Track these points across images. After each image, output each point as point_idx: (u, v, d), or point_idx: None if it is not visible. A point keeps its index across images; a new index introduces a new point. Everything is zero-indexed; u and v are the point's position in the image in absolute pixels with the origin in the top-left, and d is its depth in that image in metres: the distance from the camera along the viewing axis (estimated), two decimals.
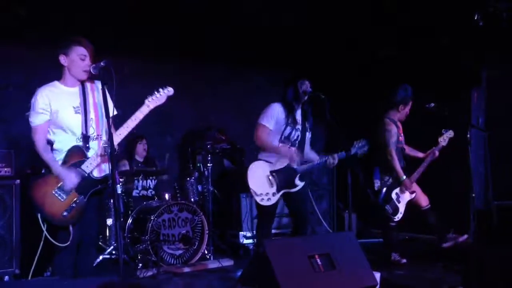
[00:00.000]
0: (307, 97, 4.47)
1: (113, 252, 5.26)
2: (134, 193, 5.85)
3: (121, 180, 5.50)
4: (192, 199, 5.66)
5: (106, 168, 3.53)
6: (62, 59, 3.55)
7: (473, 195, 4.86)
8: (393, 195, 5.14)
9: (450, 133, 5.19)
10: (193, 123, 6.93)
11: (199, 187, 5.87)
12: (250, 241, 5.99)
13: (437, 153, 5.16)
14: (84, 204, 3.48)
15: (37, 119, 3.50)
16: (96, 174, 3.53)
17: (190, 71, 6.97)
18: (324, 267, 3.56)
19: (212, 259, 5.45)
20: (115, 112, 3.60)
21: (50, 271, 4.77)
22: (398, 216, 5.16)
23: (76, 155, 3.49)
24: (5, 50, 5.64)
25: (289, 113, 4.44)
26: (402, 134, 5.25)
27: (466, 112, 6.19)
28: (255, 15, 6.21)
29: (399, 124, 5.26)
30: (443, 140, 5.17)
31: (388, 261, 5.14)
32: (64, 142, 3.53)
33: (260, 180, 4.38)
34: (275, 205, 4.44)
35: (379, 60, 7.06)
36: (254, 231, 5.30)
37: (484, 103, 6.26)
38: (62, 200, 3.42)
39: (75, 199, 3.44)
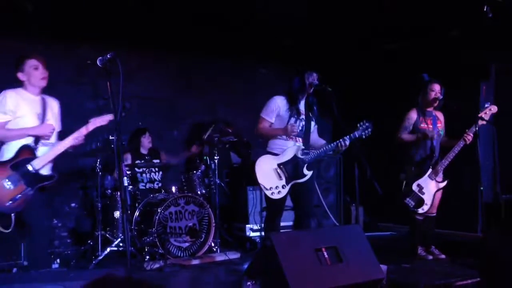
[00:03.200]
0: (313, 89, 4.45)
1: (120, 244, 5.28)
2: (141, 186, 5.86)
3: (128, 172, 5.52)
4: (199, 192, 5.67)
5: (52, 167, 4.01)
6: (20, 75, 3.99)
7: (482, 188, 4.80)
8: (414, 187, 4.99)
9: (492, 108, 4.83)
10: (200, 116, 6.93)
11: (206, 180, 5.87)
12: (257, 234, 6.00)
13: (469, 137, 4.85)
14: (30, 196, 3.79)
15: (1, 117, 3.89)
16: (43, 172, 3.92)
17: (197, 64, 6.97)
18: (331, 260, 3.55)
19: (218, 251, 5.47)
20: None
21: (58, 263, 4.83)
22: (424, 208, 4.96)
23: (26, 153, 3.86)
24: (7, 44, 5.65)
25: (292, 104, 4.43)
26: (429, 123, 5.08)
27: (475, 105, 6.14)
28: (261, 9, 6.18)
29: (434, 114, 5.13)
30: (484, 115, 4.81)
31: (414, 254, 5.08)
32: (19, 141, 3.89)
33: (268, 173, 4.36)
34: (284, 198, 4.42)
35: (386, 53, 7.02)
36: (262, 224, 5.29)
37: (493, 96, 6.20)
38: (10, 189, 3.73)
39: (21, 190, 3.76)
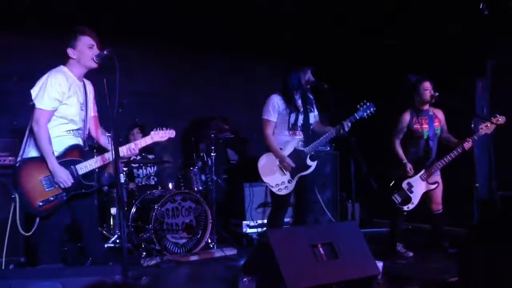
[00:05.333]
0: (310, 86, 4.46)
1: (117, 241, 5.28)
2: (137, 182, 5.86)
3: (124, 169, 5.51)
4: (196, 189, 5.67)
5: (95, 178, 3.72)
6: (70, 52, 3.53)
7: (477, 185, 4.82)
8: (404, 185, 5.00)
9: (501, 119, 4.79)
10: (197, 112, 6.92)
11: (203, 177, 5.88)
12: (253, 230, 6.01)
13: (467, 144, 4.82)
14: (62, 202, 3.48)
15: (49, 104, 3.41)
16: (86, 179, 3.58)
17: (194, 60, 6.96)
18: (327, 256, 3.57)
19: (215, 248, 5.47)
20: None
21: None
22: (409, 206, 4.98)
23: (75, 153, 3.54)
24: (6, 39, 5.62)
25: (289, 102, 4.43)
26: (424, 123, 5.02)
27: (471, 101, 6.16)
28: (257, 4, 6.18)
29: (431, 112, 5.08)
30: (485, 128, 4.81)
31: (393, 251, 5.09)
32: (61, 133, 3.52)
33: (272, 171, 4.38)
34: (291, 193, 4.45)
35: (383, 48, 7.02)
36: (265, 220, 5.29)
37: (489, 92, 6.22)
38: (45, 189, 3.42)
39: (56, 193, 3.45)
